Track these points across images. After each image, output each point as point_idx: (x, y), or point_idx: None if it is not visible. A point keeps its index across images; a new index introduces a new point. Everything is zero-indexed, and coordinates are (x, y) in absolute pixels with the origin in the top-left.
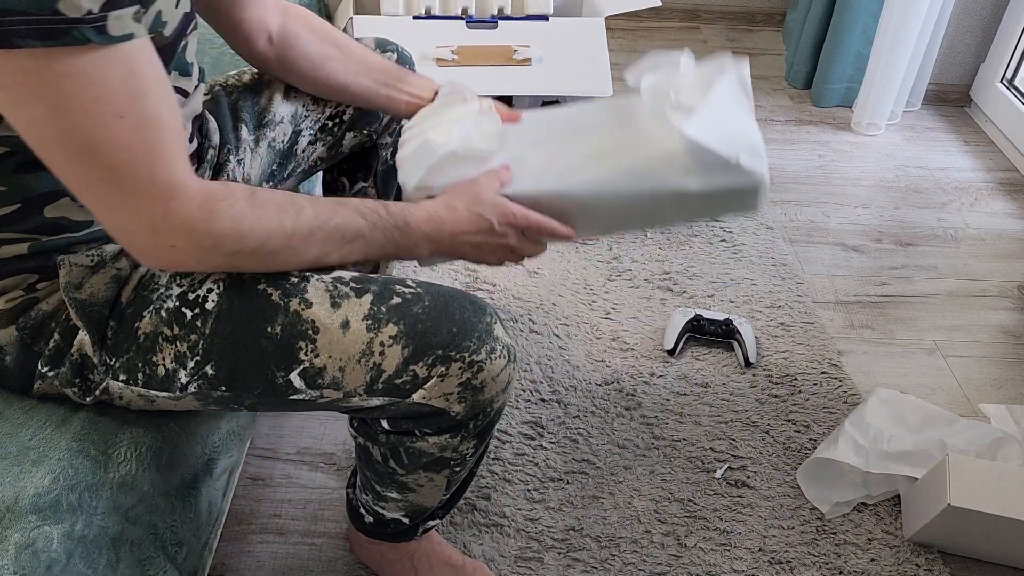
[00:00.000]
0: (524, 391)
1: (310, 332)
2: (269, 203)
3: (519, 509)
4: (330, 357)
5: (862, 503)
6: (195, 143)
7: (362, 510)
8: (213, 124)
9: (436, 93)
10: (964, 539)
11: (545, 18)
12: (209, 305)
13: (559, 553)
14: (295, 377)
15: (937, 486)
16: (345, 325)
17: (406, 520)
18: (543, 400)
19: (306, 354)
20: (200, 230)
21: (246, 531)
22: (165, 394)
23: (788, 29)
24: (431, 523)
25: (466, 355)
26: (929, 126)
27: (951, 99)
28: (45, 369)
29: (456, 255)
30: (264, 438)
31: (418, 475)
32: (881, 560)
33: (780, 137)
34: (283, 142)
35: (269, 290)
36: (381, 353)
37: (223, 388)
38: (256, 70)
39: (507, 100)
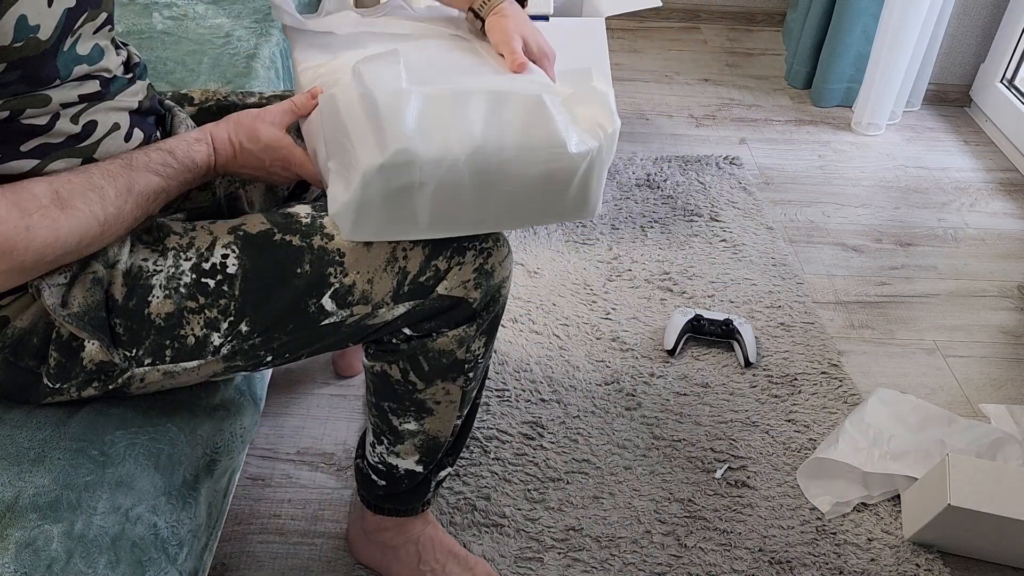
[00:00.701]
0: (524, 391)
1: (336, 258)
2: (76, 197)
3: (519, 509)
4: (358, 273)
5: (862, 503)
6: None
7: (374, 475)
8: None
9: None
10: (964, 539)
11: (545, 18)
12: (231, 268)
13: (559, 553)
14: (326, 300)
15: (937, 486)
16: (368, 241)
17: (420, 468)
18: (543, 400)
19: (335, 277)
20: (20, 249)
21: (246, 531)
22: (194, 363)
23: (788, 29)
24: (442, 473)
25: (476, 243)
26: (929, 126)
27: (951, 99)
28: (57, 384)
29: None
30: (264, 438)
31: (435, 387)
32: (881, 560)
33: (780, 137)
34: None
35: (287, 237)
36: (404, 257)
37: (256, 337)
38: (262, 93)
39: None
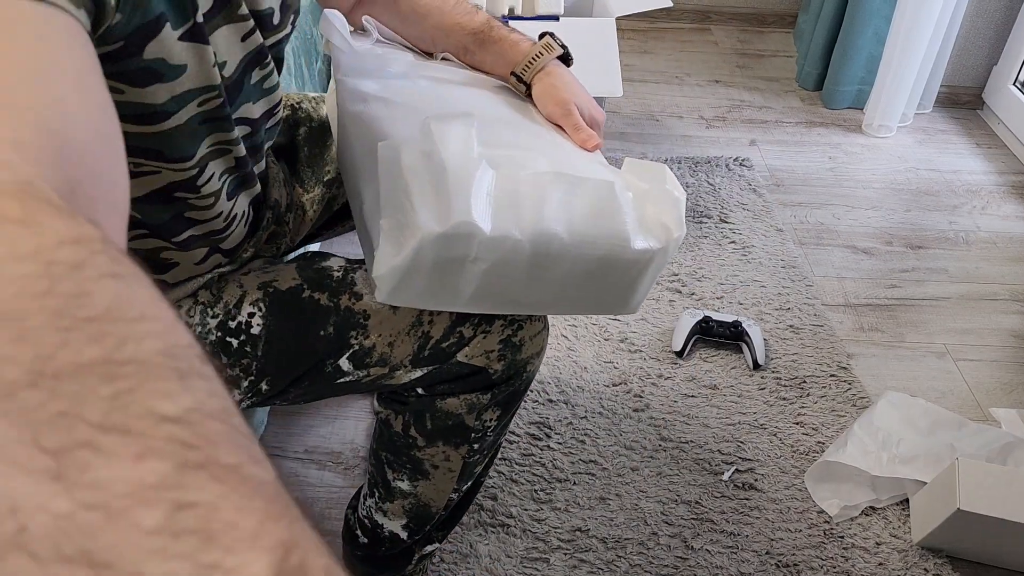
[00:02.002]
0: (532, 392)
1: (361, 320)
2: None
3: (525, 509)
4: (379, 336)
5: (870, 507)
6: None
7: (358, 529)
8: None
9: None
10: (973, 544)
11: (556, 18)
12: (255, 329)
13: (565, 554)
14: (344, 361)
15: (946, 490)
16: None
17: (405, 534)
18: (551, 401)
19: (356, 339)
20: None
21: None
22: None
23: (799, 31)
24: (428, 548)
25: (507, 314)
26: (941, 128)
27: (963, 101)
28: None
29: None
30: (272, 436)
31: (436, 449)
32: (889, 564)
33: (790, 139)
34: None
35: (316, 295)
36: (430, 322)
37: (273, 392)
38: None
39: None
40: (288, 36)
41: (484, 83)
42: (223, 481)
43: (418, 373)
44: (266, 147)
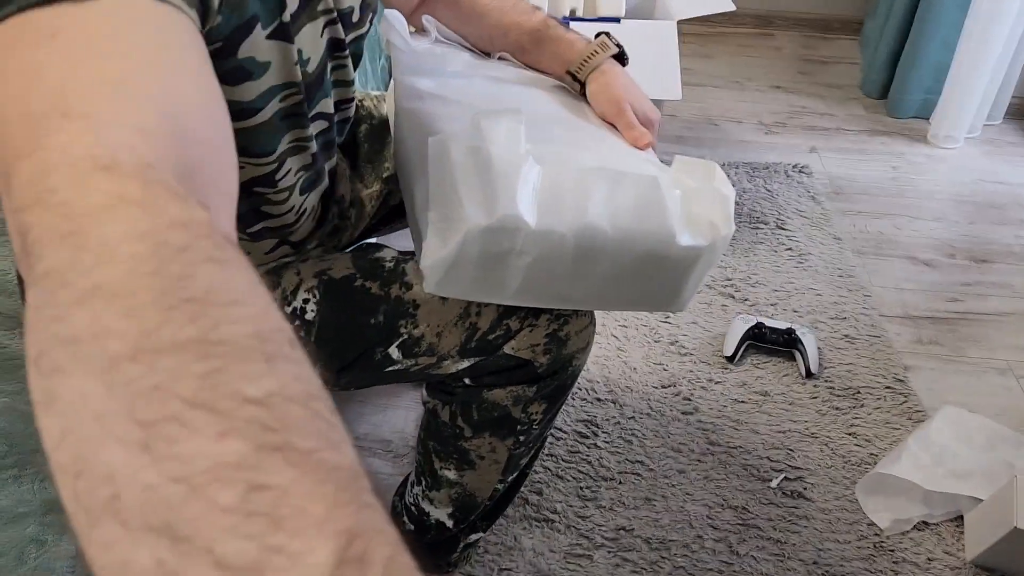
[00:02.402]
0: (580, 389)
1: (411, 310)
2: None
3: (570, 506)
4: (428, 325)
5: (923, 522)
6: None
7: (405, 517)
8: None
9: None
10: None
11: (617, 20)
12: (309, 316)
13: (609, 552)
14: (393, 350)
15: (1003, 508)
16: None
17: (450, 523)
18: (599, 399)
19: (405, 328)
20: None
21: None
22: None
23: (865, 37)
24: (473, 537)
25: (554, 308)
26: (1010, 140)
27: None
28: None
29: None
30: None
31: (482, 439)
32: None
33: (852, 147)
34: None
35: (368, 284)
36: (477, 313)
37: (324, 381)
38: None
39: None
40: (366, 34)
41: (540, 82)
42: (297, 466)
43: (465, 364)
44: (337, 143)
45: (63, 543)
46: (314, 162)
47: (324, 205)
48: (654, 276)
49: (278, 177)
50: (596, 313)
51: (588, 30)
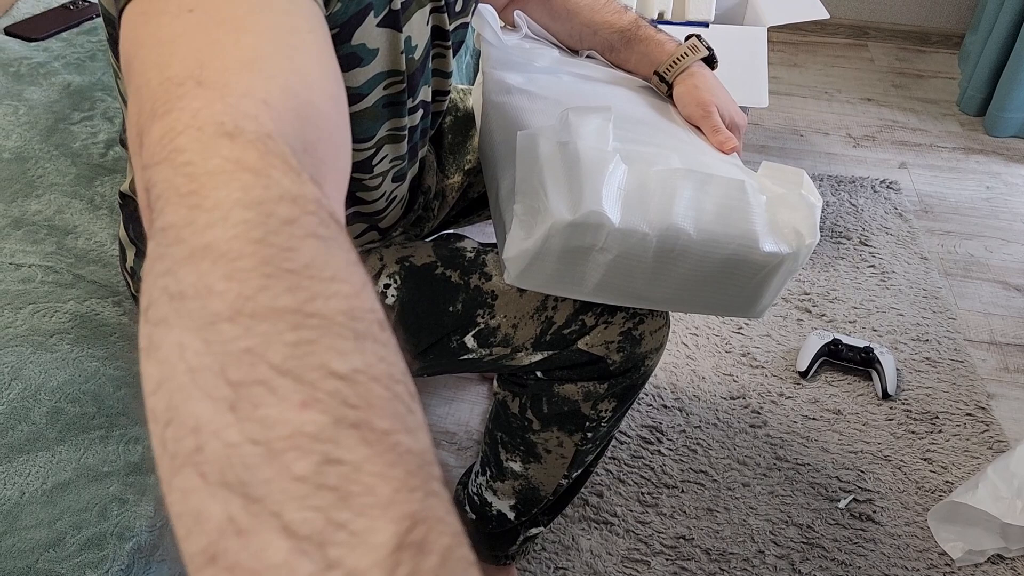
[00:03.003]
0: (646, 395)
1: (489, 300)
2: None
3: (631, 510)
4: (505, 317)
5: (998, 555)
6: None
7: (467, 505)
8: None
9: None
10: None
11: (706, 24)
12: (389, 300)
13: (667, 559)
14: (469, 339)
15: None
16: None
17: (512, 515)
18: (665, 406)
19: (482, 318)
20: None
21: None
22: None
23: (965, 52)
24: (533, 530)
25: (630, 307)
26: None
27: None
28: None
29: None
30: None
31: (550, 433)
32: None
33: (945, 165)
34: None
35: (448, 272)
36: (554, 307)
37: None
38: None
39: None
40: (468, 23)
41: (626, 82)
42: (371, 445)
43: (538, 356)
44: (428, 134)
45: (143, 504)
46: (408, 151)
47: (412, 194)
48: (734, 281)
49: (374, 163)
50: (670, 316)
51: (676, 34)
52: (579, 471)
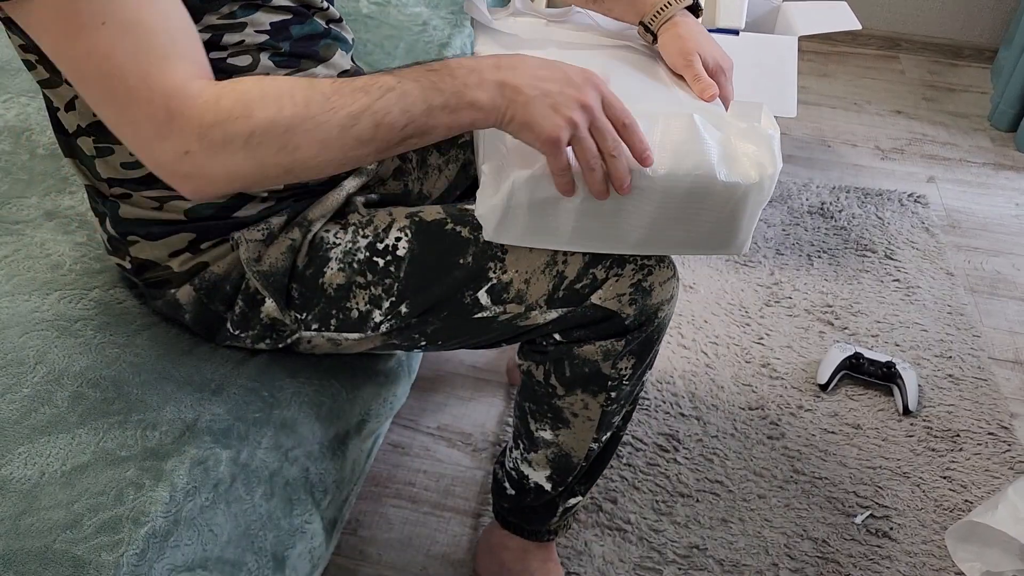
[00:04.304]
0: (664, 402)
1: (499, 254)
2: (281, 79)
3: (644, 518)
4: (516, 272)
5: None
6: None
7: (506, 482)
8: None
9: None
10: None
11: (736, 32)
12: (400, 251)
13: (679, 568)
14: (482, 294)
15: None
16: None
17: (548, 485)
18: (682, 415)
19: (495, 272)
20: (208, 120)
21: (381, 493)
22: (356, 335)
23: (998, 66)
24: (572, 501)
25: (638, 258)
26: None
27: None
28: (237, 332)
29: (516, 108)
30: (408, 409)
31: (575, 397)
32: None
33: (974, 180)
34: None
35: (458, 228)
36: (564, 261)
37: (412, 319)
38: None
39: None
40: None
41: (613, 49)
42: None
43: (553, 315)
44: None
45: (159, 489)
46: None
47: None
48: (702, 215)
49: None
50: (686, 327)
51: None
52: (608, 434)
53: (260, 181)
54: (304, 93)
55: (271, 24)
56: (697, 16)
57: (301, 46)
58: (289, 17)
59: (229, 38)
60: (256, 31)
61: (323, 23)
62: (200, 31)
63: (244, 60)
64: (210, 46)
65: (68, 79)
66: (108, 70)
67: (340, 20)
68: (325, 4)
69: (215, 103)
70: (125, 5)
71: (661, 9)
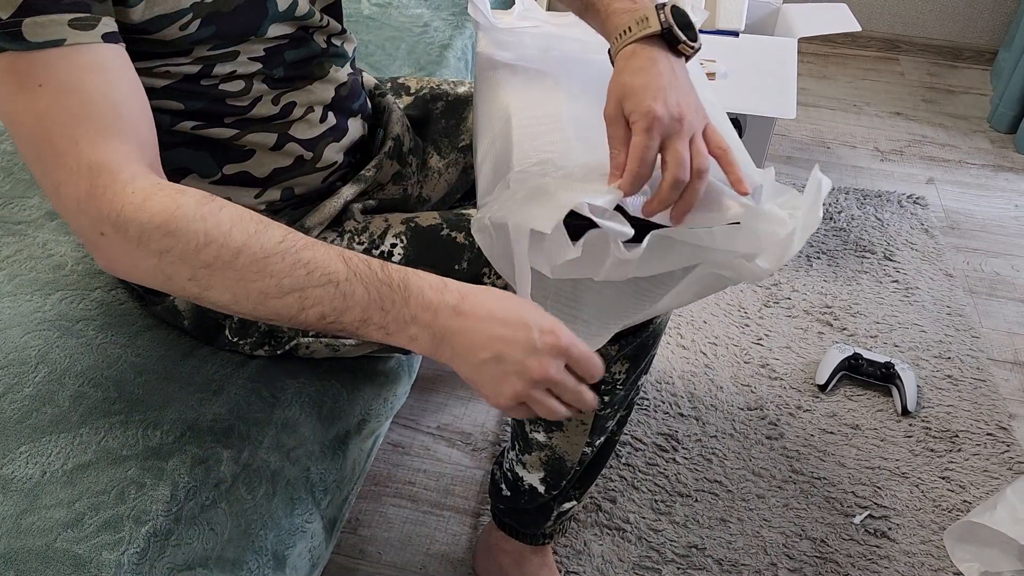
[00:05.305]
0: (663, 403)
1: None
2: (227, 209)
3: (643, 518)
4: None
5: None
6: (349, 129)
7: (503, 483)
8: (411, 137)
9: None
10: None
11: (736, 34)
12: (396, 258)
13: (678, 568)
14: None
15: None
16: None
17: (542, 488)
18: (681, 415)
19: (489, 277)
20: (128, 214)
21: (381, 492)
22: (353, 340)
23: (998, 68)
24: (566, 505)
25: None
26: None
27: None
28: (235, 339)
29: (462, 361)
30: (408, 409)
31: None
32: None
33: (973, 181)
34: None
35: (453, 233)
36: None
37: None
38: (471, 82)
39: None
40: None
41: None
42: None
43: None
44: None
45: (160, 488)
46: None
47: (371, 134)
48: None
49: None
50: (685, 327)
51: (706, 43)
52: (602, 439)
53: (168, 289)
54: (240, 238)
55: (265, 50)
56: (676, 50)
57: (295, 69)
58: (285, 41)
59: (221, 68)
60: (249, 58)
61: (322, 42)
62: (190, 63)
63: (236, 86)
64: (201, 76)
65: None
66: (38, 132)
67: (343, 31)
68: (325, 21)
69: (142, 202)
70: (67, 69)
71: (622, 34)
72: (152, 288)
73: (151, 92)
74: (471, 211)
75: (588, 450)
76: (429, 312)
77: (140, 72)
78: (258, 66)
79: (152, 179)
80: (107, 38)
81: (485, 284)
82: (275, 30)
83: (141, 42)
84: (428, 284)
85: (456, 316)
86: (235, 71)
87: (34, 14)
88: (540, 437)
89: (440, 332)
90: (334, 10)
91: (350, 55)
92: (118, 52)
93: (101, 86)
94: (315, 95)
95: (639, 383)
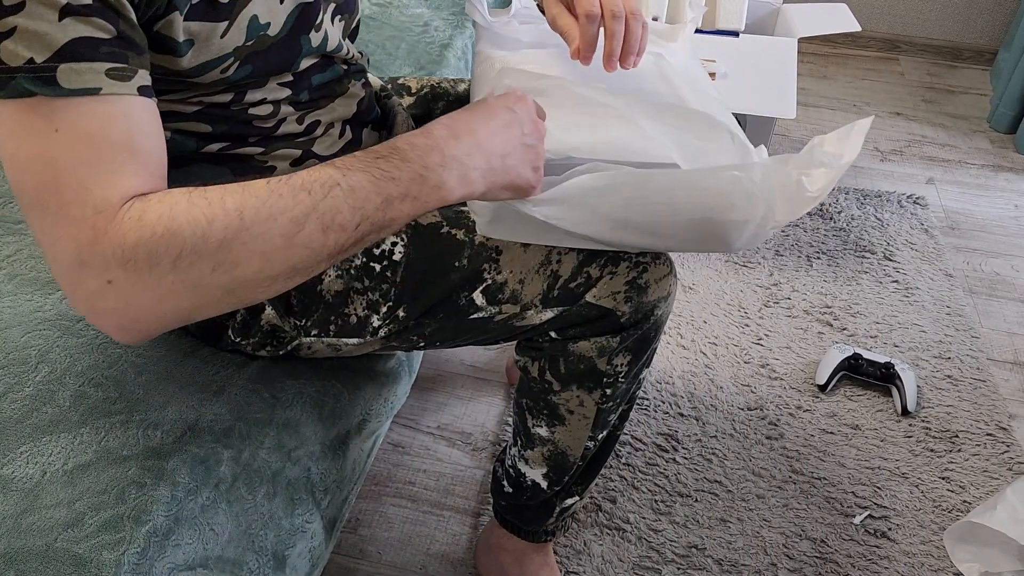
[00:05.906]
0: (663, 403)
1: (494, 255)
2: (208, 186)
3: (643, 518)
4: (511, 272)
5: None
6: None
7: (504, 480)
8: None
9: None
10: None
11: (736, 34)
12: (396, 256)
13: (678, 568)
14: (477, 295)
15: None
16: (526, 243)
17: (544, 484)
18: (681, 415)
19: (489, 273)
20: (131, 240)
21: (381, 492)
22: (355, 340)
23: (998, 68)
24: (568, 501)
25: (633, 256)
26: None
27: None
28: (238, 339)
29: (479, 163)
30: (409, 409)
31: (570, 393)
32: None
33: (973, 182)
34: None
35: (453, 231)
36: (558, 261)
37: (410, 322)
38: (470, 80)
39: None
40: None
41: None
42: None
43: (548, 314)
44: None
45: (160, 488)
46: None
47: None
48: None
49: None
50: (685, 327)
51: (706, 43)
52: (604, 433)
53: (198, 307)
54: (236, 200)
55: (293, 75)
56: None
57: (320, 91)
58: (311, 68)
59: (252, 96)
60: (278, 84)
61: (342, 62)
62: (222, 91)
63: (265, 110)
64: (232, 103)
65: (6, 175)
66: (46, 178)
67: (359, 54)
68: (348, 51)
69: (138, 220)
70: (91, 117)
71: None
72: (189, 320)
73: (180, 116)
74: (469, 208)
75: (591, 444)
76: (435, 153)
77: (173, 101)
78: (287, 92)
79: (142, 199)
80: (142, 91)
81: (486, 280)
82: (306, 62)
83: (182, 83)
84: (412, 136)
85: (455, 140)
86: (265, 98)
87: (71, 60)
88: (543, 432)
89: (456, 163)
90: (354, 33)
91: (365, 68)
92: (149, 105)
93: (123, 134)
94: (337, 112)
95: (641, 376)
